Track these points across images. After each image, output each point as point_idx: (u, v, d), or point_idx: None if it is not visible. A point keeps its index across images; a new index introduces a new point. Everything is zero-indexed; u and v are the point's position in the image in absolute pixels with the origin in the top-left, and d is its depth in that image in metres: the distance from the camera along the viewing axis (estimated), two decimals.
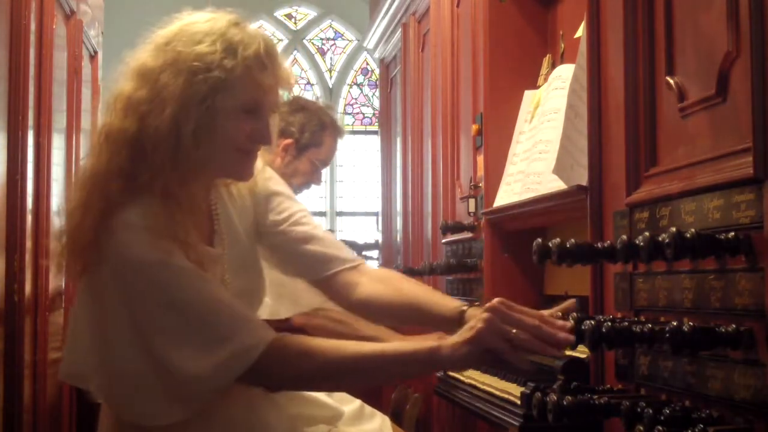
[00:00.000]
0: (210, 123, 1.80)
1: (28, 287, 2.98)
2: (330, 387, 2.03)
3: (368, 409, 2.58)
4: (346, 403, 2.48)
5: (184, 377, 1.72)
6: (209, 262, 1.83)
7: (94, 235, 1.75)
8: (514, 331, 1.61)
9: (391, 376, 2.11)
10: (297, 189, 3.35)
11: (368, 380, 1.94)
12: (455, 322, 1.92)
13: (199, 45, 1.80)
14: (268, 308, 2.30)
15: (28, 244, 2.97)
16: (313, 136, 3.28)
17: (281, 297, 2.38)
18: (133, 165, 1.78)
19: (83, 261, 1.78)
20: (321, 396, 2.23)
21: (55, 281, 3.44)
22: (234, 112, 1.82)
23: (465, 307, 1.95)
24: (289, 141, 3.24)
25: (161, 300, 1.74)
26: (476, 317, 1.67)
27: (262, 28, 10.39)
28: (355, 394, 2.57)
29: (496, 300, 1.67)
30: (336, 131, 3.37)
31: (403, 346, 1.79)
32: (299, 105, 3.35)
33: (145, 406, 1.77)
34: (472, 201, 3.00)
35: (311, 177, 3.35)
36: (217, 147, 1.82)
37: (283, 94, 1.93)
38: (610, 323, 1.53)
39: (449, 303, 2.01)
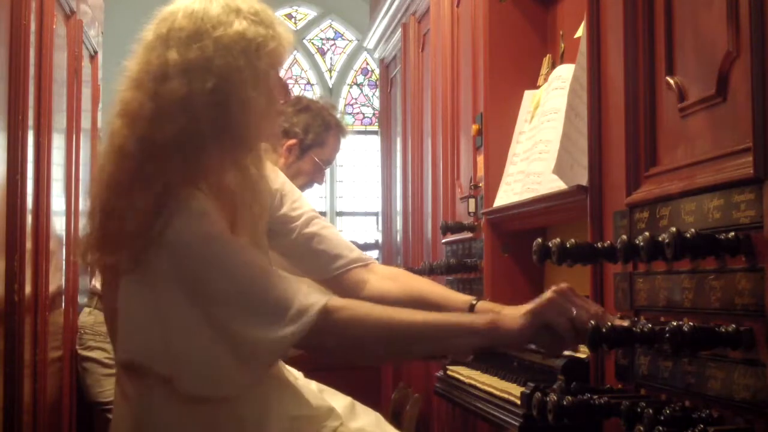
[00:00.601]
0: (271, 93, 1.86)
1: (28, 287, 2.98)
2: (387, 354, 1.97)
3: (359, 406, 2.58)
4: (338, 400, 2.48)
5: (252, 343, 1.73)
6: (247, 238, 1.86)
7: (153, 223, 1.74)
8: (575, 312, 1.68)
9: (446, 348, 2.08)
10: (299, 189, 3.35)
11: (425, 350, 1.93)
12: None
13: (235, 25, 1.82)
14: None
15: (28, 244, 2.97)
16: (317, 137, 3.28)
17: None
18: (194, 157, 1.79)
19: (134, 252, 1.77)
20: (312, 396, 2.23)
21: (55, 280, 3.44)
22: (276, 78, 1.89)
23: (474, 301, 1.98)
24: (293, 141, 3.24)
25: (223, 273, 1.75)
26: (541, 296, 1.73)
27: None
28: (347, 392, 2.57)
29: (564, 284, 1.73)
30: (340, 131, 3.37)
31: (462, 317, 1.81)
32: (303, 105, 3.35)
33: (218, 376, 1.78)
34: (472, 201, 3.00)
35: (314, 177, 3.35)
36: (272, 115, 1.90)
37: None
38: (610, 323, 1.53)
39: (459, 297, 2.07)
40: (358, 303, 1.81)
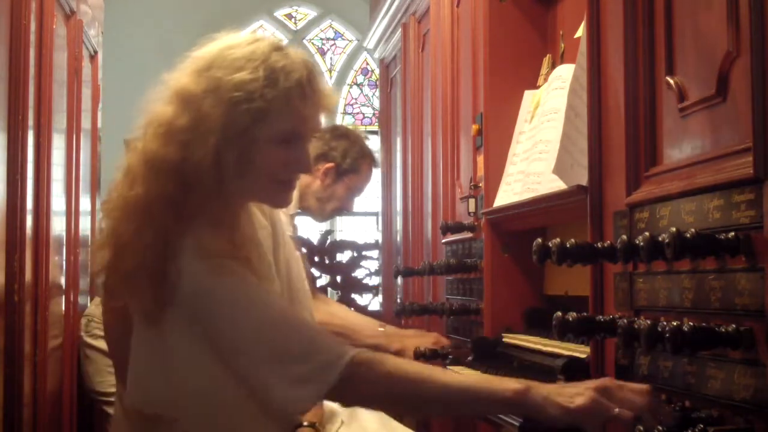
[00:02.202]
0: (250, 153, 1.78)
1: (28, 287, 2.98)
2: (408, 411, 1.93)
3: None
4: None
5: (273, 395, 1.71)
6: (257, 270, 1.82)
7: (164, 272, 1.71)
8: (617, 410, 1.56)
9: (474, 412, 2.01)
10: (329, 214, 3.46)
11: (447, 412, 1.87)
12: None
13: (240, 72, 1.76)
14: None
15: (28, 243, 2.96)
16: (353, 162, 3.39)
17: None
18: (181, 194, 1.76)
19: (157, 297, 1.73)
20: None
21: (55, 281, 3.44)
22: (273, 142, 1.79)
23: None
24: (330, 165, 3.33)
25: (243, 322, 1.72)
26: (583, 386, 1.62)
27: (262, 28, 10.42)
28: None
29: (608, 380, 1.63)
30: (373, 161, 3.48)
31: (491, 383, 1.74)
32: (342, 132, 3.48)
33: (244, 428, 1.78)
34: (472, 201, 2.99)
35: (345, 203, 3.44)
36: (256, 176, 1.80)
37: (323, 120, 1.91)
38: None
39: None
40: (386, 359, 1.75)
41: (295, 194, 3.32)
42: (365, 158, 3.45)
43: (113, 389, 2.08)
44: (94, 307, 4.04)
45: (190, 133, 1.75)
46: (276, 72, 1.77)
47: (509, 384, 1.68)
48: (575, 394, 1.59)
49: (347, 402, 1.75)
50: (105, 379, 3.81)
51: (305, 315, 2.02)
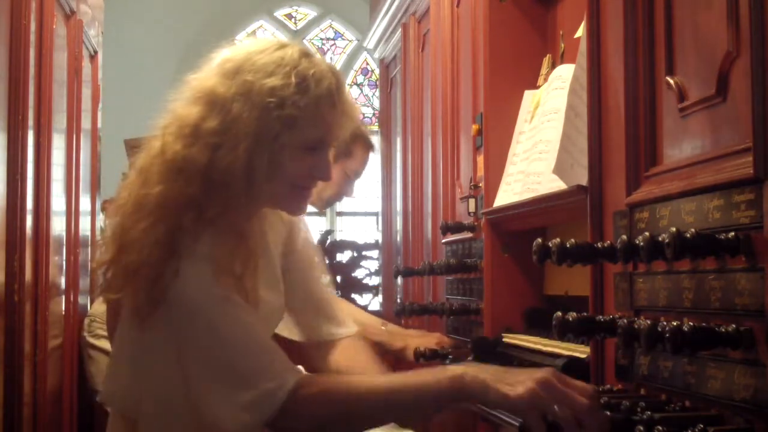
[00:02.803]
0: (280, 158, 1.78)
1: (28, 287, 2.98)
2: (361, 425, 1.91)
3: None
4: None
5: (214, 413, 1.71)
6: (251, 287, 1.82)
7: (162, 272, 1.72)
8: (557, 409, 1.52)
9: (420, 409, 2.01)
10: (328, 201, 3.42)
11: (395, 415, 1.86)
12: None
13: (272, 77, 1.76)
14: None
15: (28, 243, 2.97)
16: (345, 146, 3.34)
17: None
18: (203, 196, 1.76)
19: (149, 295, 1.73)
20: None
21: (55, 281, 3.44)
22: (300, 148, 1.80)
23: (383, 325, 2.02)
24: None
25: (212, 339, 1.73)
26: (527, 374, 1.59)
27: (262, 28, 10.43)
28: None
29: (550, 371, 1.59)
30: (367, 144, 3.43)
31: (427, 377, 1.69)
32: None
33: None
34: (472, 201, 2.99)
35: (343, 188, 3.40)
36: (279, 183, 1.81)
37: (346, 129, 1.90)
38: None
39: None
40: (327, 379, 1.78)
41: None
42: (357, 141, 3.39)
43: None
44: (96, 307, 4.05)
45: (219, 136, 1.76)
46: (307, 79, 1.78)
47: (446, 372, 1.66)
48: (517, 382, 1.56)
49: (297, 427, 1.74)
50: None
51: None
